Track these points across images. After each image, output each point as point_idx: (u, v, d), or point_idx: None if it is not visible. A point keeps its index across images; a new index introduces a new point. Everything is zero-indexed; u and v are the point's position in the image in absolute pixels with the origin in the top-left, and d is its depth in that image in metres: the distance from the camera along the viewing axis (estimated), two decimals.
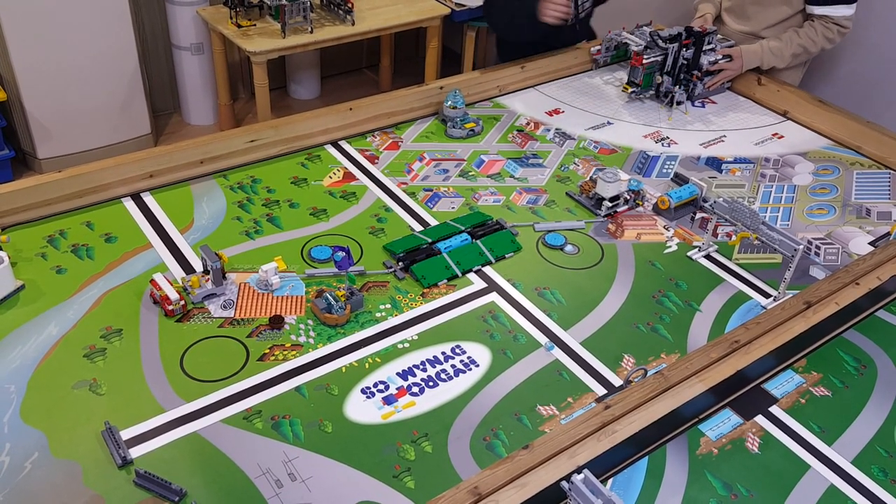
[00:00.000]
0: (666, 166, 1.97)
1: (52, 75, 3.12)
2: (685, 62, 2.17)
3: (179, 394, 1.25)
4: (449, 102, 2.03)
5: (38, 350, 1.31)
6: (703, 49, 2.17)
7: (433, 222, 1.69)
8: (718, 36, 2.24)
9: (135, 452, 1.15)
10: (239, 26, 3.31)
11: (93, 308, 1.40)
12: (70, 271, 1.48)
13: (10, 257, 1.42)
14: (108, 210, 1.65)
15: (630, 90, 2.21)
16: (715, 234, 1.71)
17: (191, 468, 1.13)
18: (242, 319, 1.40)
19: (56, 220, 1.60)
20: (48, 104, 3.18)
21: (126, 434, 1.17)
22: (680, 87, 2.19)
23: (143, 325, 1.37)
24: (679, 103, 2.20)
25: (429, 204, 1.76)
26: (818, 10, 2.19)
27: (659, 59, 2.16)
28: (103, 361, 1.30)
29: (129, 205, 1.67)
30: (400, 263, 1.55)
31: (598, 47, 2.36)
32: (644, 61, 2.14)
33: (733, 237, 1.71)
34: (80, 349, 1.31)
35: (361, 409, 1.25)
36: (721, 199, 1.60)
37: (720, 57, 2.20)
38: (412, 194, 1.78)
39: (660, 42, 2.14)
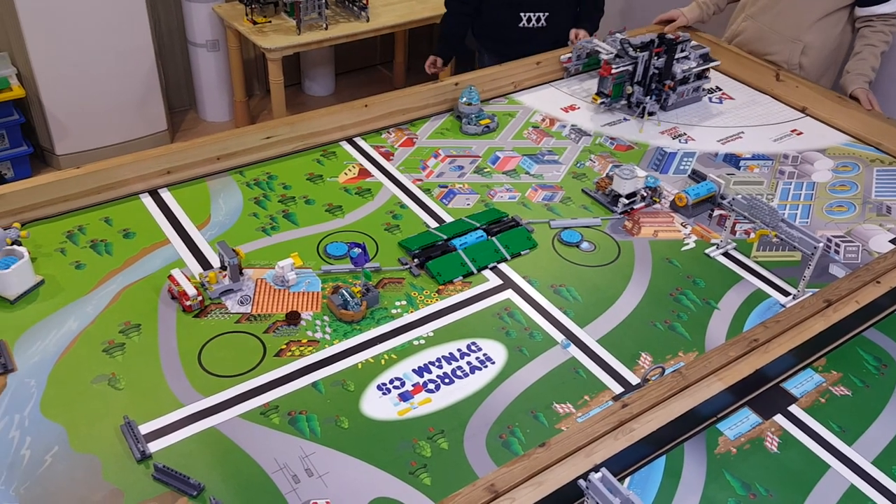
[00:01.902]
0: (683, 163, 1.95)
1: (69, 72, 3.15)
2: (657, 71, 2.07)
3: (197, 389, 1.25)
4: (464, 99, 2.02)
5: (57, 345, 1.32)
6: (676, 57, 2.08)
7: (448, 219, 1.69)
8: (692, 43, 2.15)
9: (153, 447, 1.16)
10: (254, 23, 3.32)
11: (112, 303, 1.41)
12: (89, 267, 1.49)
13: (30, 252, 1.43)
14: (126, 206, 1.66)
15: (599, 101, 2.11)
16: (733, 232, 1.70)
17: (209, 463, 1.14)
18: (259, 315, 1.40)
19: (75, 216, 1.61)
20: (66, 101, 3.20)
21: (145, 428, 1.18)
22: (651, 98, 2.09)
23: (162, 320, 1.38)
24: (651, 114, 2.09)
25: (444, 200, 1.76)
26: (882, 8, 2.16)
27: (629, 68, 2.06)
28: (122, 356, 1.31)
29: (147, 201, 1.68)
30: (415, 260, 1.55)
31: (569, 55, 2.27)
32: (613, 71, 2.03)
33: (752, 234, 1.70)
34: (99, 344, 1.32)
35: (377, 406, 1.25)
36: (739, 196, 1.58)
37: (694, 65, 2.09)
38: (427, 191, 1.78)
39: (630, 51, 2.04)
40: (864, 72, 2.17)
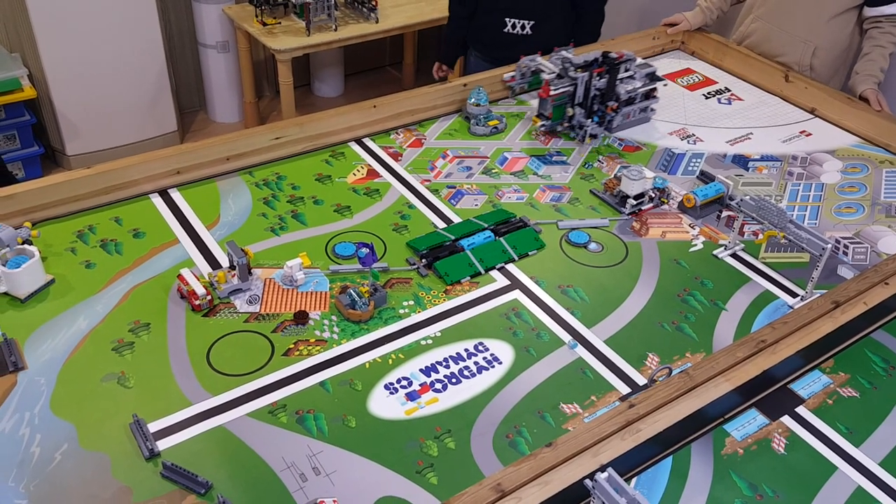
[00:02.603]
0: (692, 164, 1.95)
1: (80, 73, 3.17)
2: (598, 93, 1.94)
3: (206, 387, 1.26)
4: (472, 100, 2.03)
5: (67, 343, 1.33)
6: (620, 77, 1.95)
7: (456, 219, 1.69)
8: (638, 61, 2.01)
9: (162, 445, 1.16)
10: (264, 24, 3.33)
11: (121, 302, 1.42)
12: (99, 266, 1.50)
13: (40, 252, 1.45)
14: (136, 206, 1.67)
15: (539, 123, 1.99)
16: (741, 233, 1.70)
17: (217, 461, 1.14)
18: (268, 315, 1.41)
19: (85, 216, 1.63)
20: (77, 101, 3.23)
21: (153, 427, 1.19)
22: (593, 120, 1.96)
23: (171, 319, 1.39)
24: (593, 137, 1.97)
25: (452, 201, 1.76)
26: (890, 9, 2.15)
27: (569, 89, 1.93)
28: (131, 355, 1.31)
29: (157, 201, 1.69)
30: (423, 260, 1.55)
31: (512, 73, 2.14)
32: (552, 92, 1.91)
33: (760, 236, 1.69)
34: (108, 343, 1.33)
35: (385, 405, 1.26)
36: (748, 197, 1.58)
37: (639, 85, 1.98)
38: (435, 191, 1.78)
39: (570, 70, 1.91)
40: (873, 72, 2.16)
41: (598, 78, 1.92)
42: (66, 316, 1.38)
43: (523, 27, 2.40)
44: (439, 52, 2.71)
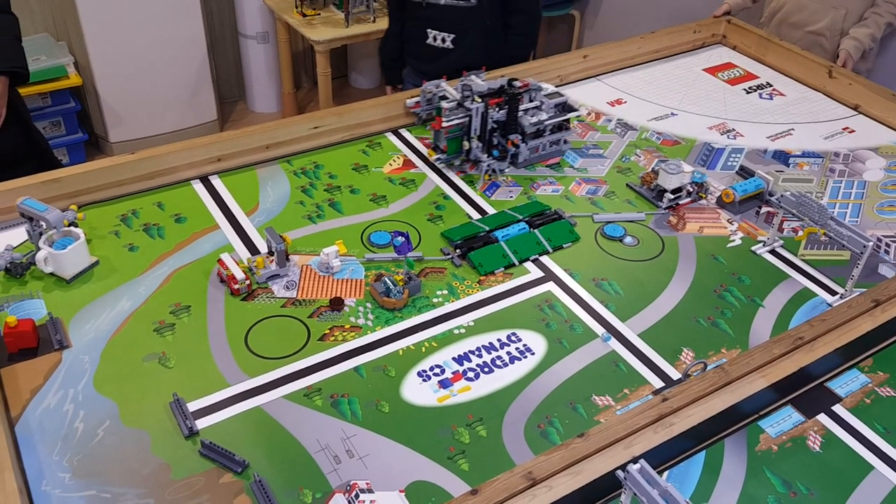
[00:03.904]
0: (731, 159, 1.93)
1: (124, 62, 3.23)
2: (495, 126, 1.76)
3: (244, 369, 1.29)
4: None
5: (111, 323, 1.36)
6: (524, 108, 1.76)
7: (491, 211, 1.70)
8: (547, 90, 1.82)
9: (201, 424, 1.19)
10: (304, 15, 3.37)
11: (163, 285, 1.45)
12: (142, 249, 1.54)
13: (85, 234, 1.48)
14: (178, 192, 1.70)
15: (435, 157, 1.81)
16: (781, 229, 1.68)
17: (253, 441, 1.17)
18: (304, 300, 1.43)
19: (129, 200, 1.67)
20: (120, 90, 3.30)
21: (193, 406, 1.22)
22: (493, 155, 1.76)
23: (210, 302, 1.42)
24: (496, 171, 1.79)
25: (487, 193, 1.76)
26: None
27: (464, 120, 1.74)
28: (172, 336, 1.35)
29: (198, 187, 1.72)
30: (457, 250, 1.56)
31: (417, 99, 1.94)
32: (444, 124, 1.72)
33: (800, 232, 1.67)
34: (150, 324, 1.37)
35: (418, 392, 1.27)
36: (788, 193, 1.56)
37: (546, 116, 1.78)
38: (470, 183, 1.79)
39: (468, 100, 1.72)
40: (860, 37, 2.13)
41: (496, 109, 1.74)
42: (110, 297, 1.42)
43: (444, 40, 2.33)
44: (384, 77, 2.64)
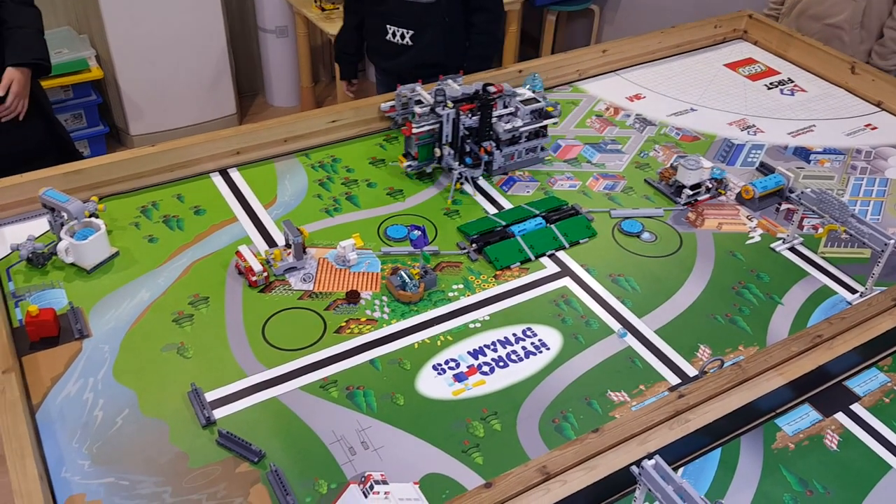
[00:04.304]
0: (751, 155, 1.91)
1: (145, 56, 3.26)
2: (467, 133, 1.69)
3: (261, 360, 1.30)
4: (527, 86, 2.02)
5: (130, 314, 1.38)
6: (499, 114, 1.70)
7: (508, 206, 1.70)
8: (523, 96, 1.77)
9: (218, 414, 1.20)
10: (322, 9, 3.37)
11: (182, 276, 1.46)
12: (161, 240, 1.55)
13: (106, 225, 1.50)
14: (197, 184, 1.72)
15: (406, 163, 1.74)
16: (801, 227, 1.66)
17: (270, 431, 1.18)
18: (321, 293, 1.44)
19: (149, 192, 1.68)
20: (141, 83, 3.32)
21: (210, 396, 1.23)
22: (466, 163, 1.69)
23: (228, 294, 1.43)
24: (468, 180, 1.72)
25: (504, 187, 1.76)
26: None
27: (435, 127, 1.69)
28: (191, 327, 1.36)
29: (217, 180, 1.74)
30: (473, 245, 1.56)
31: (392, 103, 1.88)
32: (414, 130, 1.67)
33: (820, 230, 1.65)
34: (169, 314, 1.38)
35: (432, 385, 1.27)
36: (808, 189, 1.54)
37: (521, 123, 1.71)
38: (487, 177, 1.79)
39: (440, 106, 1.66)
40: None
41: (468, 115, 1.68)
42: (130, 287, 1.44)
43: (403, 36, 2.27)
44: (339, 70, 2.59)
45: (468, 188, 1.72)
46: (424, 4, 2.22)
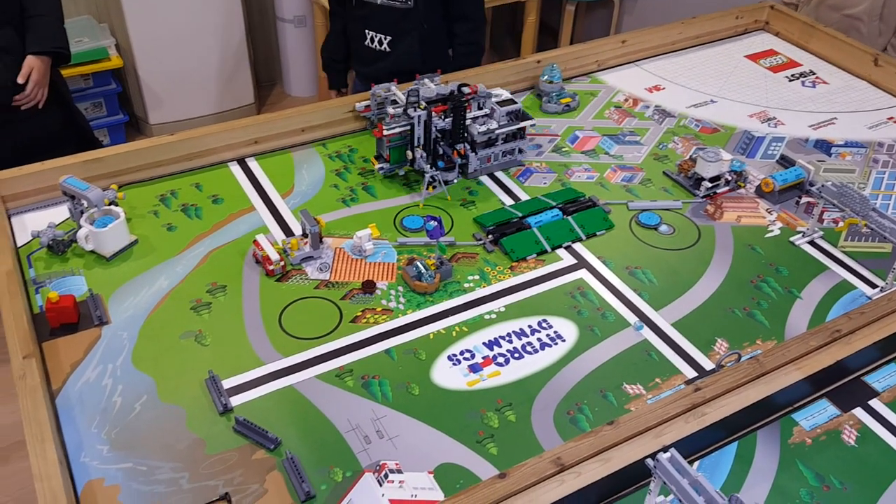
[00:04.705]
0: (772, 148, 1.89)
1: (164, 45, 3.27)
2: (439, 135, 1.64)
3: (277, 349, 1.31)
4: (545, 77, 2.01)
5: (148, 301, 1.39)
6: (473, 115, 1.66)
7: (524, 197, 1.69)
8: (500, 97, 1.73)
9: (235, 401, 1.21)
10: None
11: (200, 264, 1.47)
12: (180, 229, 1.56)
13: (125, 213, 1.51)
14: (215, 173, 1.72)
15: (378, 166, 1.69)
16: (821, 220, 1.64)
17: (286, 419, 1.19)
18: (337, 282, 1.45)
19: (168, 181, 1.69)
20: (160, 72, 3.34)
21: (227, 383, 1.24)
22: (438, 166, 1.64)
23: (246, 282, 1.44)
24: (441, 183, 1.66)
25: (521, 179, 1.76)
26: None
27: (407, 128, 1.64)
28: (208, 315, 1.37)
29: (235, 169, 1.74)
30: (490, 236, 1.56)
31: (367, 102, 1.82)
32: (385, 132, 1.62)
33: (840, 223, 1.64)
34: (187, 302, 1.39)
35: (447, 375, 1.28)
36: (829, 183, 1.53)
37: (496, 125, 1.66)
38: (504, 169, 1.78)
39: (409, 108, 1.62)
40: None
41: (440, 117, 1.63)
42: (149, 275, 1.45)
43: (380, 42, 2.21)
44: (329, 82, 2.47)
45: (442, 189, 1.68)
46: (402, 10, 2.15)
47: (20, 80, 2.00)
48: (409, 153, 1.66)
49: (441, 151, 1.65)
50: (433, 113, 1.61)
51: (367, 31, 2.22)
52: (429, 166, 1.65)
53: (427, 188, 1.66)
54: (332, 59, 2.40)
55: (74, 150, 1.69)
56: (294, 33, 3.69)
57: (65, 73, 2.28)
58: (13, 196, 1.59)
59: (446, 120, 1.63)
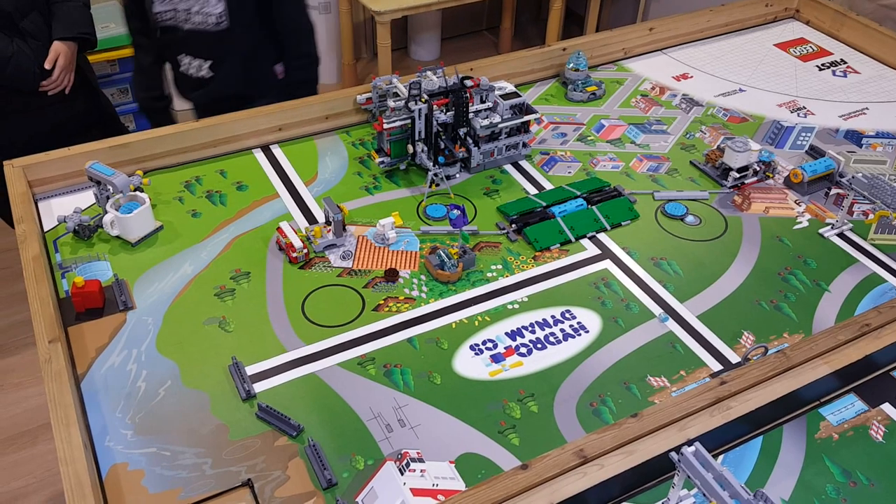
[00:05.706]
0: (801, 138, 1.86)
1: None
2: (440, 129, 1.61)
3: (300, 336, 1.31)
4: (571, 65, 1.99)
5: (173, 287, 1.40)
6: (476, 109, 1.62)
7: (548, 186, 1.68)
8: (504, 90, 1.69)
9: (258, 387, 1.22)
10: None
11: (224, 251, 1.48)
12: (204, 215, 1.57)
13: (150, 199, 1.52)
14: (239, 160, 1.73)
15: (378, 159, 1.67)
16: (850, 212, 1.61)
17: (308, 406, 1.19)
18: (360, 270, 1.44)
19: (192, 167, 1.70)
20: None
21: (250, 370, 1.24)
22: (439, 162, 1.63)
23: (269, 269, 1.44)
24: (442, 180, 1.65)
25: (545, 168, 1.74)
26: None
27: (407, 122, 1.62)
28: (232, 301, 1.37)
29: (259, 156, 1.75)
30: (513, 225, 1.55)
31: (368, 95, 1.80)
32: (386, 126, 1.60)
33: (871, 216, 1.60)
34: (211, 288, 1.40)
35: (469, 365, 1.27)
36: (860, 174, 1.50)
37: (499, 119, 1.62)
38: (528, 157, 1.77)
39: (410, 101, 1.59)
40: None
41: (442, 111, 1.60)
42: (173, 261, 1.46)
43: (199, 68, 2.02)
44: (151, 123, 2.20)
45: (444, 186, 1.66)
46: (215, 33, 1.95)
47: (47, 66, 2.01)
48: (410, 147, 1.64)
49: (442, 146, 1.64)
50: (434, 106, 1.59)
51: (180, 56, 2.04)
52: (430, 162, 1.63)
53: (430, 186, 1.64)
54: (150, 98, 2.18)
55: (100, 135, 1.70)
56: (318, 20, 3.68)
57: (91, 58, 2.30)
58: (40, 181, 1.61)
59: (447, 114, 1.60)
